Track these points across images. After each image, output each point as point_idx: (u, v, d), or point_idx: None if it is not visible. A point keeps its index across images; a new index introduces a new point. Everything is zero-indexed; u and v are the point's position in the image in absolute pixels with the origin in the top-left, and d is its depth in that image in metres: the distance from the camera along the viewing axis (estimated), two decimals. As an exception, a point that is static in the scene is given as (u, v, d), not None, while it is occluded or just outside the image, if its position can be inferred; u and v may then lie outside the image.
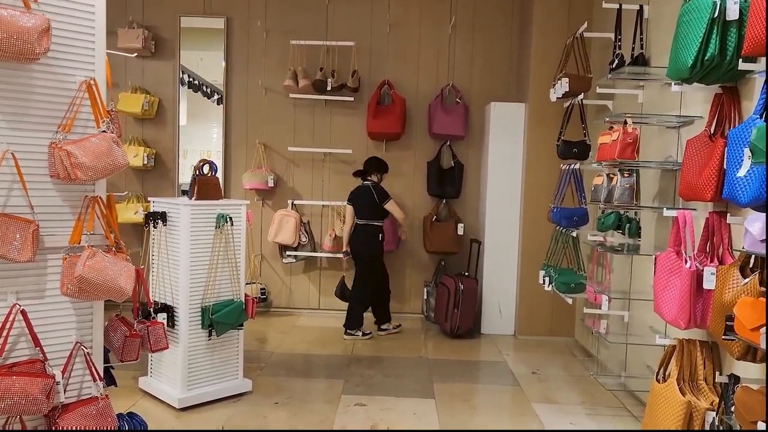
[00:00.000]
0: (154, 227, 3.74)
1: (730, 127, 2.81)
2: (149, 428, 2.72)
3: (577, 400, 4.06)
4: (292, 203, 6.14)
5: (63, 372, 2.30)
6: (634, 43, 3.94)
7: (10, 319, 2.17)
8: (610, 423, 3.70)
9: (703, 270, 2.77)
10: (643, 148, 3.58)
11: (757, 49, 2.31)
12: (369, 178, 5.50)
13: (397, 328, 5.61)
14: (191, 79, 6.47)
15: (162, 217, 3.72)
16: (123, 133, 2.68)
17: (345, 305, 5.55)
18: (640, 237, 3.94)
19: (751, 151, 2.03)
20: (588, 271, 4.55)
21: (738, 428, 2.30)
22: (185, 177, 6.22)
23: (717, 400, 2.74)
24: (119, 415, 2.51)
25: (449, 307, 5.46)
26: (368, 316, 5.59)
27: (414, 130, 6.16)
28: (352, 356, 4.89)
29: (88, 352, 2.34)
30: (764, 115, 2.36)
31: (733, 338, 2.18)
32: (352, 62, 5.99)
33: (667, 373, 2.99)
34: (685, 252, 2.92)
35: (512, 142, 5.63)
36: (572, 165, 4.50)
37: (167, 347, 2.77)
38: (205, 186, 3.78)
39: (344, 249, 5.61)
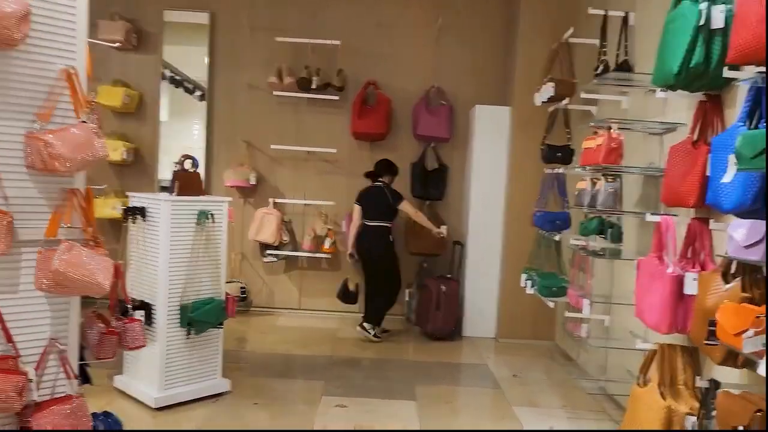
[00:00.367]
0: (133, 222, 3.67)
1: (713, 135, 2.84)
2: (125, 428, 2.65)
3: (558, 404, 4.07)
4: (274, 202, 6.09)
5: (36, 369, 2.23)
6: (618, 49, 3.96)
7: (-18, 314, 2.11)
8: (590, 427, 3.71)
9: (684, 275, 2.79)
10: (627, 153, 3.59)
11: (741, 57, 2.32)
12: (380, 179, 5.45)
13: (379, 337, 5.37)
14: (173, 75, 6.38)
15: (141, 212, 3.65)
16: (102, 126, 2.60)
17: (327, 306, 5.53)
18: (621, 242, 3.97)
19: (736, 157, 2.04)
20: (570, 275, 4.56)
21: (718, 433, 2.31)
22: (165, 174, 6.13)
23: (696, 404, 2.75)
24: (94, 415, 2.44)
25: (431, 310, 5.44)
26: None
27: (399, 132, 6.15)
28: (334, 357, 4.86)
29: (62, 349, 2.28)
30: (748, 122, 2.38)
31: (715, 343, 2.19)
32: (338, 61, 5.96)
33: (647, 378, 3.00)
34: (668, 257, 2.94)
35: (497, 145, 5.64)
36: (556, 169, 4.52)
37: (144, 345, 2.71)
38: (186, 181, 3.72)
39: (349, 251, 5.51)
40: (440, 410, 3.86)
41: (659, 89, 3.00)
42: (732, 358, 2.35)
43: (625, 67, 3.88)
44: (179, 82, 6.51)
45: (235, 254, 6.11)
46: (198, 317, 3.64)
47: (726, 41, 2.61)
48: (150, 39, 6.10)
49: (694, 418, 2.63)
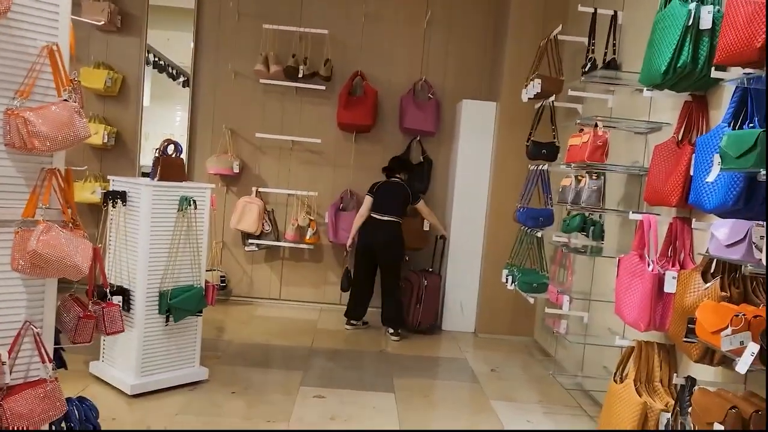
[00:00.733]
0: (113, 207, 3.61)
1: (697, 135, 2.86)
2: (99, 414, 2.61)
3: (535, 399, 4.09)
4: (257, 191, 6.04)
5: (9, 352, 2.18)
6: (606, 47, 3.98)
7: (-45, 294, 2.06)
8: (566, 422, 3.74)
9: (664, 274, 2.82)
10: (611, 152, 3.62)
11: (729, 58, 2.34)
12: (397, 176, 5.42)
13: (365, 324, 5.56)
14: (157, 59, 6.29)
15: (122, 196, 3.59)
16: (84, 106, 2.54)
17: (308, 296, 5.46)
18: (603, 239, 4.00)
19: (721, 156, 2.06)
20: (551, 271, 4.59)
21: (693, 429, 2.34)
22: (146, 159, 6.04)
23: (671, 401, 2.79)
24: (69, 400, 2.40)
25: (412, 303, 5.45)
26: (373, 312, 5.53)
27: (384, 124, 6.12)
28: (312, 348, 4.84)
29: (37, 332, 2.23)
30: (733, 123, 2.40)
31: (693, 341, 2.21)
32: (326, 51, 5.91)
33: (624, 374, 3.03)
34: (648, 255, 2.97)
35: (482, 140, 5.64)
36: (540, 166, 4.53)
37: (122, 330, 2.67)
38: (169, 166, 3.66)
39: (349, 241, 5.45)
40: (418, 403, 3.87)
41: (646, 88, 3.02)
42: (708, 356, 2.38)
43: (612, 65, 3.90)
44: (163, 66, 6.42)
45: (216, 242, 6.05)
46: (177, 304, 3.60)
47: (714, 42, 2.64)
48: (134, 21, 6.00)
49: (669, 415, 2.66)
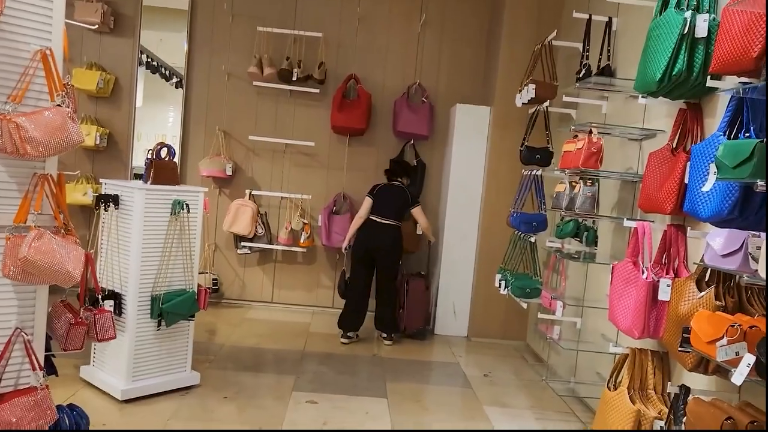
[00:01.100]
0: (105, 210, 3.58)
1: (692, 143, 2.87)
2: (90, 421, 2.59)
3: (527, 404, 4.09)
4: (250, 193, 6.01)
5: (0, 359, 2.16)
6: (601, 54, 3.99)
7: (-56, 300, 2.03)
8: (559, 428, 3.74)
9: (659, 281, 2.82)
10: (605, 158, 3.62)
11: (724, 67, 2.35)
12: (398, 179, 5.35)
13: (357, 337, 5.34)
14: (150, 60, 6.26)
15: (114, 200, 3.56)
16: (77, 110, 2.53)
17: (300, 299, 5.41)
18: (596, 245, 4.00)
19: (717, 166, 2.06)
20: (544, 276, 4.59)
21: (687, 438, 2.34)
22: (139, 160, 6.02)
23: (665, 409, 2.79)
24: (59, 407, 2.37)
25: (397, 309, 5.42)
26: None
27: (378, 127, 6.12)
28: (305, 352, 4.82)
29: (28, 339, 2.20)
30: (728, 132, 2.40)
31: (688, 350, 2.21)
32: (320, 54, 5.90)
33: (618, 381, 3.03)
34: (642, 263, 2.97)
35: (475, 144, 5.64)
36: (534, 171, 4.53)
37: (114, 337, 2.64)
38: (162, 170, 3.64)
39: (346, 243, 5.35)
40: (411, 408, 3.86)
41: (641, 95, 3.02)
42: (703, 365, 2.38)
43: (606, 71, 3.91)
44: (156, 67, 6.39)
45: (209, 245, 6.02)
46: (169, 309, 3.57)
47: (708, 50, 2.64)
48: (127, 22, 5.96)
49: (662, 423, 2.66)
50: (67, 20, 2.29)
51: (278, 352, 4.77)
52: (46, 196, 2.17)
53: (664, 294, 2.77)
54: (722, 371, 2.30)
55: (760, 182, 1.83)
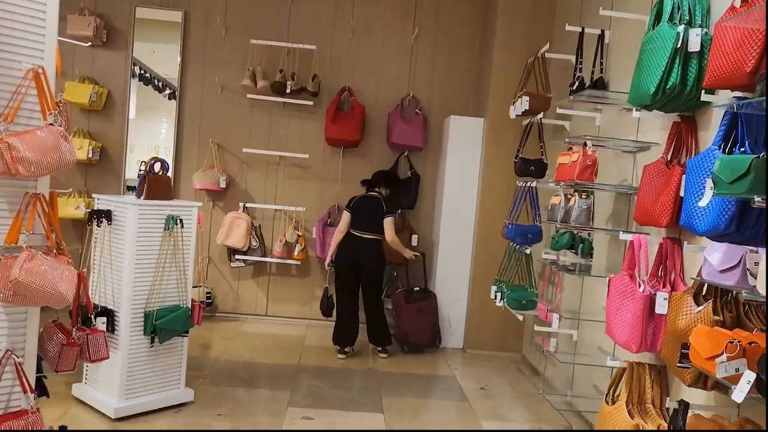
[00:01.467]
0: (98, 226, 3.55)
1: (687, 156, 2.87)
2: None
3: (525, 418, 4.07)
4: (244, 206, 5.98)
5: (-10, 382, 2.12)
6: (594, 66, 4.00)
7: (-66, 322, 1.99)
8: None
9: (655, 294, 2.81)
10: (599, 170, 3.63)
11: (718, 81, 2.35)
12: (376, 190, 5.24)
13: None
14: (142, 71, 6.24)
15: (107, 215, 3.53)
16: (69, 129, 2.53)
17: (295, 313, 5.35)
18: (592, 257, 4.00)
19: (713, 181, 2.06)
20: (539, 288, 4.58)
21: (686, 454, 2.33)
22: (131, 172, 5.99)
23: (663, 423, 2.78)
24: (49, 431, 2.33)
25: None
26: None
27: (372, 139, 6.11)
28: (299, 366, 4.78)
29: (19, 362, 2.16)
30: (723, 146, 2.41)
31: (687, 366, 2.20)
32: (313, 66, 5.89)
33: (616, 395, 3.01)
34: (639, 276, 2.97)
35: (469, 156, 5.64)
36: (528, 183, 4.53)
37: (107, 357, 2.60)
38: (155, 185, 3.61)
39: (328, 260, 5.22)
40: (409, 423, 3.83)
41: (635, 108, 3.03)
42: (702, 380, 2.37)
43: (599, 84, 3.92)
44: (148, 79, 6.37)
45: (202, 258, 5.98)
46: (163, 325, 3.54)
47: (702, 64, 2.66)
48: (120, 35, 5.94)
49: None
50: (59, 38, 2.27)
51: (273, 367, 4.73)
52: (38, 215, 2.14)
53: (661, 307, 2.76)
54: (721, 387, 2.29)
55: (757, 198, 1.83)
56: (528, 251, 4.49)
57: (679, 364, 2.25)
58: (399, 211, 5.99)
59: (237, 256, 5.88)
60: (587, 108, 4.22)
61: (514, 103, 4.71)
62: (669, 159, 2.97)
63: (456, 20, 6.11)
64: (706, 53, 2.60)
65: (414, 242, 5.86)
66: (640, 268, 2.96)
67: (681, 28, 2.67)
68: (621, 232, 3.16)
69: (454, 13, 6.11)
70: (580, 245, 4.01)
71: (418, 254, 5.48)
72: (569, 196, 3.68)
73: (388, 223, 5.10)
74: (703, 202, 2.27)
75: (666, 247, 2.95)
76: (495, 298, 4.59)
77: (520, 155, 4.61)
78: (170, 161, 5.89)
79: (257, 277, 6.15)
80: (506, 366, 5.24)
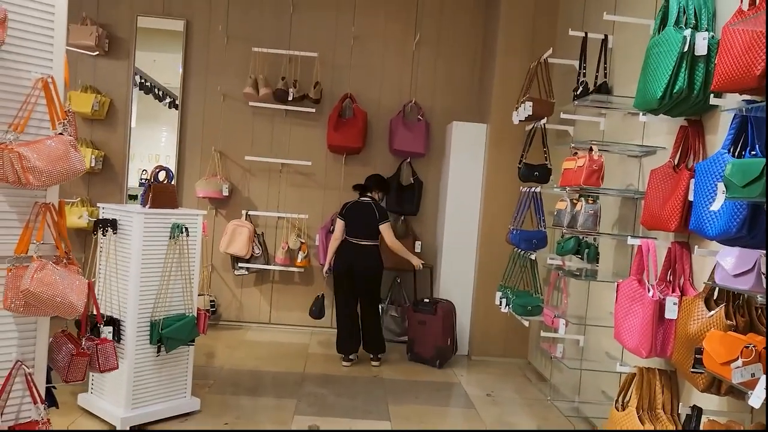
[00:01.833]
0: (104, 235, 3.54)
1: (694, 160, 2.87)
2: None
3: (533, 424, 4.05)
4: (247, 214, 5.97)
5: (0, 393, 2.10)
6: (597, 71, 4.01)
7: (-57, 333, 1.98)
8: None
9: (665, 299, 2.80)
10: (605, 175, 3.63)
11: (726, 85, 2.35)
12: (369, 194, 5.19)
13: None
14: (143, 81, 6.24)
15: (112, 224, 3.52)
16: (78, 138, 2.52)
17: (298, 320, 5.32)
18: (598, 263, 3.99)
19: (725, 185, 2.05)
20: (545, 294, 4.57)
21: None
22: (133, 181, 5.98)
23: (674, 429, 2.76)
24: (60, 440, 2.32)
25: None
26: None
27: (374, 145, 6.11)
28: (305, 374, 4.76)
29: (29, 372, 2.15)
30: (732, 150, 2.40)
31: (701, 371, 2.19)
32: (315, 73, 5.90)
33: (626, 401, 2.99)
34: (648, 281, 2.95)
35: (472, 162, 5.64)
36: (533, 188, 4.53)
37: (117, 367, 2.59)
38: (160, 193, 3.60)
39: (326, 267, 5.22)
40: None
41: (642, 113, 3.03)
42: (715, 385, 2.35)
43: (603, 89, 3.91)
44: (149, 88, 6.37)
45: (205, 266, 5.97)
46: (169, 334, 3.52)
47: (709, 68, 2.66)
48: (122, 44, 5.95)
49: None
50: (67, 47, 2.26)
51: (278, 375, 4.70)
52: (47, 225, 2.13)
53: (671, 312, 2.74)
54: (735, 392, 2.28)
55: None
56: (533, 257, 4.48)
57: (692, 370, 2.24)
58: (402, 218, 5.99)
59: (240, 264, 5.87)
60: (591, 113, 4.22)
61: (517, 108, 4.71)
62: (676, 163, 2.96)
63: (458, 26, 6.12)
64: (713, 57, 2.60)
65: (417, 249, 5.85)
66: (648, 273, 2.95)
67: (688, 32, 2.67)
68: (629, 237, 3.15)
69: (455, 18, 6.12)
70: (586, 250, 4.00)
71: (425, 263, 5.41)
72: (575, 201, 3.67)
73: (386, 229, 5.06)
74: (715, 206, 2.26)
75: (675, 252, 2.93)
76: (500, 304, 4.57)
77: (523, 161, 4.60)
78: (172, 169, 5.87)
79: (260, 284, 6.14)
80: (512, 372, 5.22)
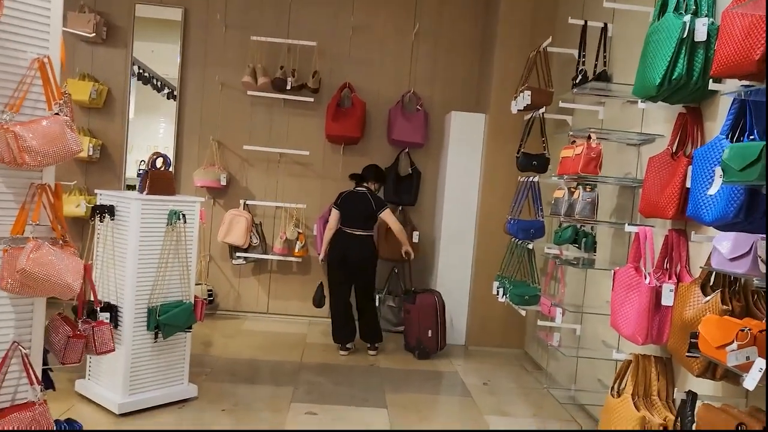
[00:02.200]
0: (101, 221, 3.53)
1: (693, 147, 2.87)
2: (88, 436, 2.53)
3: (529, 413, 4.06)
4: (245, 203, 5.97)
5: (-4, 374, 2.11)
6: (597, 59, 4.00)
7: (-61, 314, 1.97)
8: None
9: (661, 286, 2.81)
10: (603, 163, 3.62)
11: (726, 70, 2.34)
12: (365, 184, 5.18)
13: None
14: (141, 71, 6.22)
15: (110, 210, 3.51)
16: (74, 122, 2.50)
17: (296, 310, 5.33)
18: (595, 252, 3.99)
19: (723, 169, 2.05)
20: (542, 283, 4.57)
21: (695, 444, 2.32)
22: (131, 171, 5.96)
23: (669, 415, 2.77)
24: (56, 422, 2.32)
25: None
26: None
27: (373, 135, 6.10)
28: (302, 363, 4.76)
29: (25, 353, 2.15)
30: (730, 135, 2.40)
31: (697, 355, 2.19)
32: (314, 63, 5.88)
33: (622, 388, 3.00)
34: (645, 268, 2.96)
35: (471, 152, 5.63)
36: (531, 177, 4.53)
37: (113, 350, 2.59)
38: (158, 180, 3.59)
39: (322, 255, 5.24)
40: (412, 419, 3.81)
41: (640, 100, 3.02)
42: (711, 370, 2.36)
43: (603, 77, 3.91)
44: (147, 78, 6.35)
45: (203, 256, 5.97)
46: (166, 321, 3.52)
47: (708, 54, 2.65)
48: (120, 33, 5.92)
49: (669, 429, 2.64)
50: (63, 29, 2.25)
51: (275, 364, 4.71)
52: (43, 206, 2.12)
53: (667, 299, 2.75)
54: (731, 376, 2.28)
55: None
56: (530, 246, 4.48)
57: (688, 354, 2.24)
58: (400, 208, 5.98)
59: (238, 254, 5.87)
60: (590, 101, 4.21)
61: (515, 98, 4.70)
62: (674, 150, 2.96)
63: (457, 15, 6.11)
64: (713, 43, 2.60)
65: (415, 239, 5.85)
66: (645, 260, 2.95)
67: (687, 17, 2.66)
68: (626, 225, 3.15)
69: (454, 8, 6.10)
70: (583, 239, 4.00)
71: (411, 253, 5.31)
72: (573, 189, 3.67)
73: (388, 215, 5.07)
74: (712, 191, 2.26)
75: (672, 239, 2.94)
76: (497, 294, 4.57)
77: (522, 150, 4.60)
78: (170, 159, 5.86)
79: (258, 274, 6.14)
80: (509, 362, 5.23)
